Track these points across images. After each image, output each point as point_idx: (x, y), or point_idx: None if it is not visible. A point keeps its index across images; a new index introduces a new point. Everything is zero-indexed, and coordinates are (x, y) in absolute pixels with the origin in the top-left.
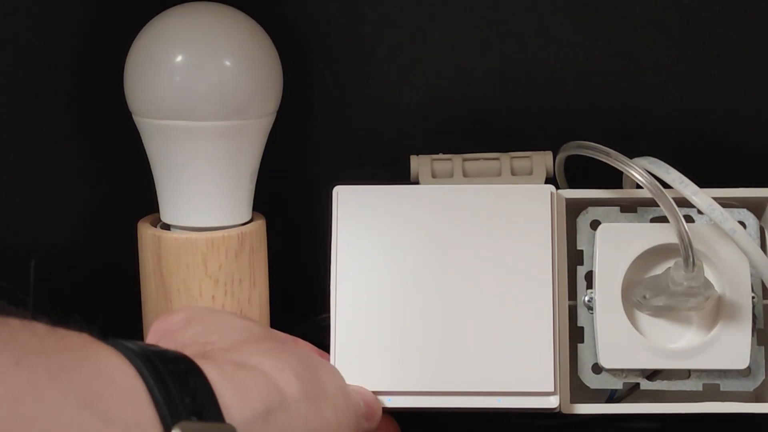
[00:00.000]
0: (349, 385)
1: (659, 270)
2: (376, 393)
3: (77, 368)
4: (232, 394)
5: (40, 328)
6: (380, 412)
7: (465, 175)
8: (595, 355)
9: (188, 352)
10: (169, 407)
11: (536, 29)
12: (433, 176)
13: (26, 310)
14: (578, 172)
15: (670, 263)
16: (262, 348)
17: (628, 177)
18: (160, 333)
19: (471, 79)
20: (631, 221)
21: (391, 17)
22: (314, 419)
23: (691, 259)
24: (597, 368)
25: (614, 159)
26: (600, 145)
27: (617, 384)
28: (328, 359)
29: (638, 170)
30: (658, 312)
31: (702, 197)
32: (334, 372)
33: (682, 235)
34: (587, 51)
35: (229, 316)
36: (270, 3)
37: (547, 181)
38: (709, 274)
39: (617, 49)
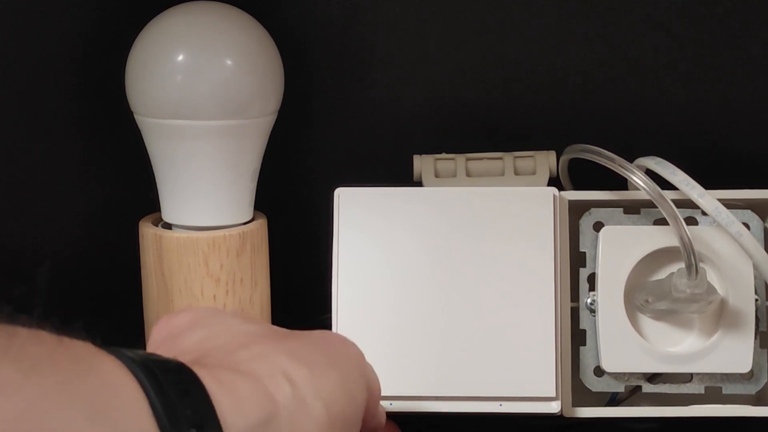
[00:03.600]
0: None
1: (662, 272)
2: None
3: (84, 380)
4: (230, 405)
5: (48, 338)
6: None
7: (468, 174)
8: (597, 358)
9: (191, 357)
10: (170, 420)
11: (536, 29)
12: (436, 176)
13: (32, 317)
14: (582, 173)
15: (673, 266)
16: (255, 353)
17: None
18: (163, 335)
19: (471, 79)
20: (634, 223)
21: (391, 17)
22: (306, 422)
23: (694, 267)
24: (599, 371)
25: (617, 164)
26: (602, 150)
27: (619, 387)
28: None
29: (640, 176)
30: (661, 315)
31: (708, 200)
32: (338, 365)
33: (684, 243)
34: (588, 51)
35: (232, 319)
36: (270, 3)
37: (551, 180)
38: (711, 275)
39: (618, 48)
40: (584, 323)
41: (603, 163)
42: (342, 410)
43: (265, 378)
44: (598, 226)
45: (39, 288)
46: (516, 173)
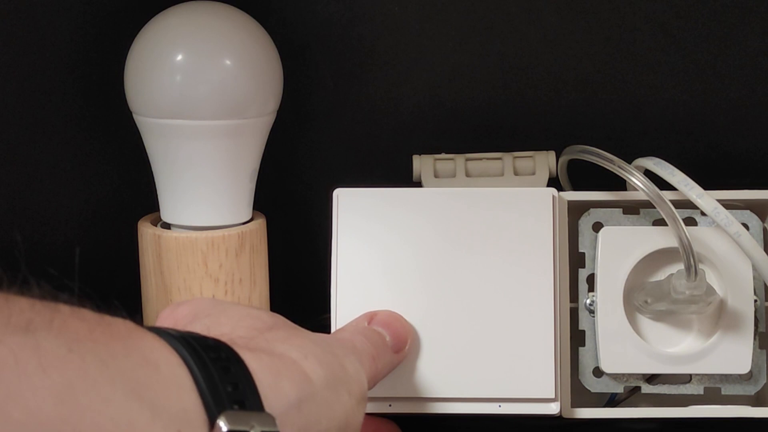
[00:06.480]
0: (375, 312)
1: (661, 273)
2: (376, 398)
3: (125, 356)
4: (269, 383)
5: (89, 315)
6: (408, 340)
7: (468, 175)
8: (596, 358)
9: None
10: (213, 396)
11: (536, 29)
12: (436, 176)
13: (72, 297)
14: (581, 174)
15: (673, 267)
16: (283, 335)
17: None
18: (166, 326)
19: (471, 79)
20: (633, 223)
21: (391, 17)
22: (336, 404)
23: (693, 268)
24: (598, 372)
25: (616, 165)
26: (601, 151)
27: (618, 388)
28: None
29: (639, 177)
30: (660, 316)
31: (707, 200)
32: (350, 354)
33: (683, 244)
34: (588, 51)
35: (234, 306)
36: (270, 2)
37: (550, 180)
38: (710, 276)
39: (618, 48)
40: (583, 324)
41: (602, 164)
42: (357, 399)
43: (301, 360)
44: (597, 227)
45: (75, 270)
46: (515, 173)
